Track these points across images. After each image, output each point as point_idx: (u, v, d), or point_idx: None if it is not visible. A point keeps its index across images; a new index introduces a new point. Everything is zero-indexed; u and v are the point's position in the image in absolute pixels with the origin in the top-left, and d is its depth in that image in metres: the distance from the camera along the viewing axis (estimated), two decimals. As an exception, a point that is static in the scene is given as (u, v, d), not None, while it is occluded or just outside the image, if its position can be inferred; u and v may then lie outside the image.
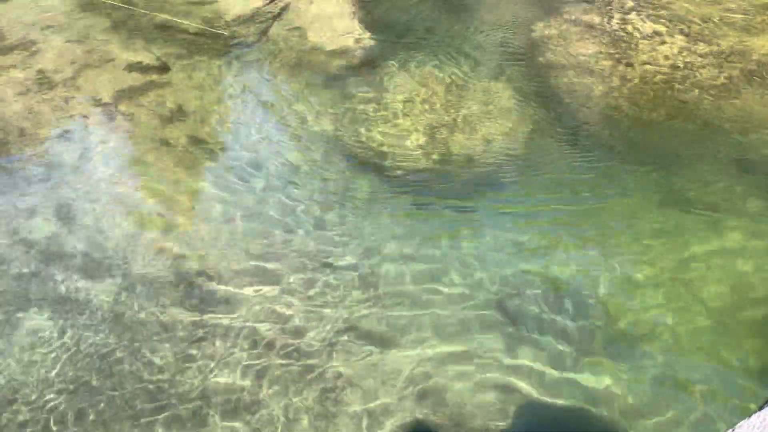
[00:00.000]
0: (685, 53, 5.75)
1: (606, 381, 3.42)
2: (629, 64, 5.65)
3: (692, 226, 4.28)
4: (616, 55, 5.77)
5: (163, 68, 5.60)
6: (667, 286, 3.91)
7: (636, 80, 5.51)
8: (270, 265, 3.96)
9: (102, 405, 3.22)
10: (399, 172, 4.73)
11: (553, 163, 4.86)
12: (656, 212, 4.45)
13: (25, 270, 3.79)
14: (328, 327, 3.63)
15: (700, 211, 4.36)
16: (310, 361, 3.45)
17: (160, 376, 3.35)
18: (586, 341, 3.61)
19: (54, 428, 3.10)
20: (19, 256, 3.86)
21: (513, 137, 5.03)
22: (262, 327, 3.62)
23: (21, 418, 3.13)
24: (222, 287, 3.81)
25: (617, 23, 6.13)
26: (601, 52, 5.81)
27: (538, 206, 4.49)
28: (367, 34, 6.12)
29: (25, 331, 3.49)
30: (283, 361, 3.46)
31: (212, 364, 3.42)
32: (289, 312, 3.70)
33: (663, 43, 5.88)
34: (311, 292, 3.82)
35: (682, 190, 4.60)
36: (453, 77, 5.59)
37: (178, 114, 5.11)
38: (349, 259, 4.02)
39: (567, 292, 3.88)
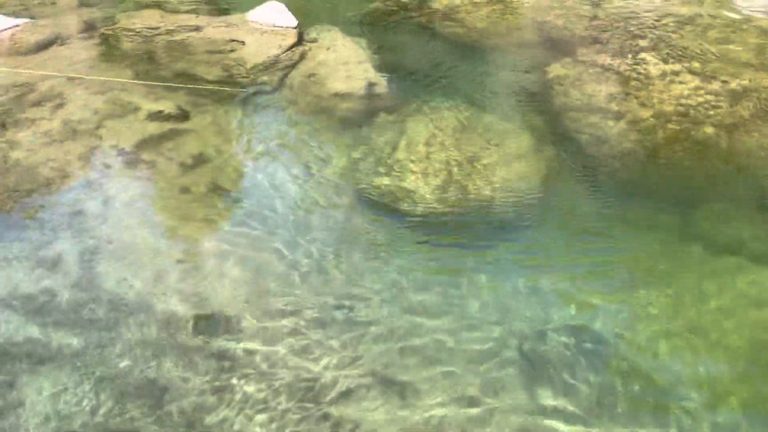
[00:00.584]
0: (699, 92, 5.77)
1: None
2: (644, 104, 5.68)
3: (712, 267, 4.24)
4: (631, 96, 5.81)
5: (183, 116, 5.74)
6: (688, 333, 3.86)
7: (651, 120, 5.53)
8: (288, 316, 3.98)
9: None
10: (415, 217, 4.76)
11: (570, 206, 4.87)
12: (675, 253, 4.42)
13: (49, 320, 3.84)
14: (345, 377, 3.62)
15: (720, 253, 4.33)
16: (327, 411, 3.44)
17: (176, 416, 3.36)
18: (608, 394, 3.55)
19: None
20: (42, 306, 3.91)
21: (529, 180, 5.05)
22: (279, 377, 3.61)
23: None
24: (241, 339, 3.82)
25: (631, 64, 6.18)
26: (615, 93, 5.85)
27: (556, 250, 4.49)
28: (383, 80, 6.23)
29: (50, 379, 3.51)
30: (300, 413, 3.44)
31: (232, 415, 3.42)
32: (306, 363, 3.70)
33: (677, 82, 5.92)
34: (329, 343, 3.82)
35: (701, 230, 4.58)
36: (468, 120, 5.65)
37: (198, 161, 5.21)
38: (365, 309, 4.02)
39: (587, 340, 3.84)
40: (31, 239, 4.38)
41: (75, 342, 3.72)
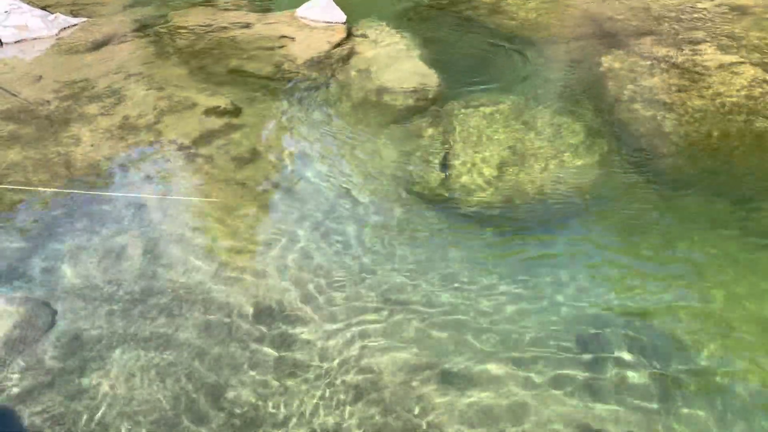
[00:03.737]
0: (757, 83, 5.63)
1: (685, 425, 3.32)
2: (700, 96, 5.56)
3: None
4: (687, 87, 5.70)
5: (237, 112, 5.85)
6: (745, 326, 3.77)
7: (708, 112, 5.41)
8: (342, 303, 4.03)
9: (187, 429, 3.33)
10: (468, 209, 4.76)
11: (624, 197, 4.80)
12: (732, 247, 4.33)
13: (115, 307, 3.97)
14: (402, 365, 3.65)
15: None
16: (386, 397, 3.47)
17: (239, 410, 3.44)
18: (667, 382, 3.51)
19: (144, 462, 3.21)
20: (109, 295, 4.05)
21: (582, 171, 5.00)
22: (336, 363, 3.67)
23: (114, 451, 3.26)
24: (299, 325, 3.89)
25: (687, 55, 6.06)
26: (671, 84, 5.74)
27: (610, 241, 4.44)
28: (433, 73, 6.24)
29: (119, 366, 3.64)
30: (361, 406, 3.49)
31: (292, 401, 3.49)
32: (363, 351, 3.74)
33: (735, 73, 5.78)
34: (385, 330, 3.86)
35: (759, 224, 4.47)
36: (519, 113, 5.62)
37: (253, 156, 5.30)
38: (420, 298, 4.05)
39: (644, 329, 3.79)
40: (95, 231, 4.53)
41: (133, 327, 3.85)
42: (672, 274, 4.16)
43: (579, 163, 5.09)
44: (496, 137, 5.35)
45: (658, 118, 5.41)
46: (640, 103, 5.58)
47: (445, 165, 5.02)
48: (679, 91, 5.68)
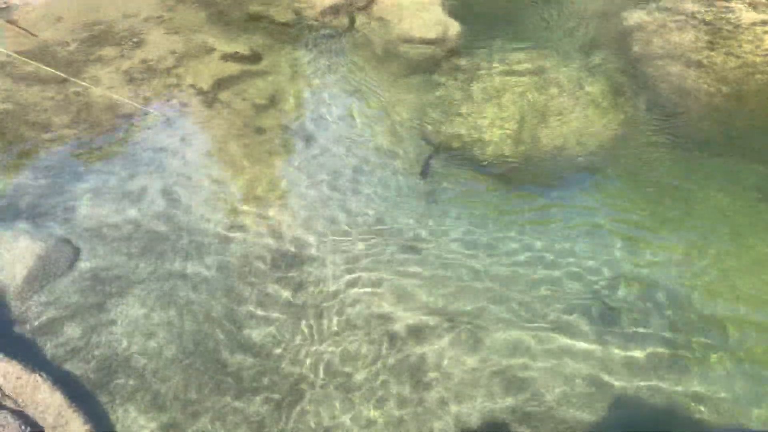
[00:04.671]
0: (791, 42, 5.47)
1: (695, 381, 3.35)
2: (731, 54, 5.42)
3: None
4: (716, 45, 5.55)
5: (256, 58, 5.79)
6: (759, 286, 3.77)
7: (737, 71, 5.28)
8: (357, 245, 4.05)
9: (204, 369, 3.40)
10: (486, 161, 4.73)
11: (646, 155, 4.74)
12: (753, 208, 4.28)
13: (135, 248, 4.02)
14: (415, 309, 3.69)
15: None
16: (399, 343, 3.52)
17: (255, 348, 3.51)
18: (680, 340, 3.53)
19: (161, 390, 3.29)
20: (128, 235, 4.10)
21: (604, 128, 4.93)
22: (349, 300, 3.72)
23: (133, 384, 3.34)
24: (313, 264, 3.93)
25: (717, 11, 5.88)
26: (699, 42, 5.60)
27: (630, 199, 4.40)
28: (455, 24, 6.12)
29: (137, 304, 3.71)
30: (372, 344, 3.54)
31: (306, 328, 3.55)
32: (378, 290, 3.78)
33: (766, 32, 5.61)
34: (398, 270, 3.89)
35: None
36: (542, 66, 5.52)
37: (271, 102, 5.27)
38: (434, 245, 4.07)
39: (660, 287, 3.79)
40: (115, 172, 4.56)
41: (156, 267, 3.90)
42: (683, 230, 4.14)
43: (602, 119, 5.01)
44: (516, 91, 5.27)
45: (685, 75, 5.29)
46: (667, 60, 5.45)
47: (426, 170, 4.64)
48: (708, 48, 5.53)
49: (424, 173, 4.64)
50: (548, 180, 4.63)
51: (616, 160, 4.69)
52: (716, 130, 4.86)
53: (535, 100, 5.20)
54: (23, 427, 2.85)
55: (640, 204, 4.37)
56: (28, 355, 3.32)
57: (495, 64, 5.57)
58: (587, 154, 4.74)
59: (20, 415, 2.94)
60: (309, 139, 4.95)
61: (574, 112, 5.06)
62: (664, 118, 4.97)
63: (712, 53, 5.47)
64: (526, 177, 4.65)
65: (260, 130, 4.99)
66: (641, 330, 3.59)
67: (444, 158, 4.79)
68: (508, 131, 4.95)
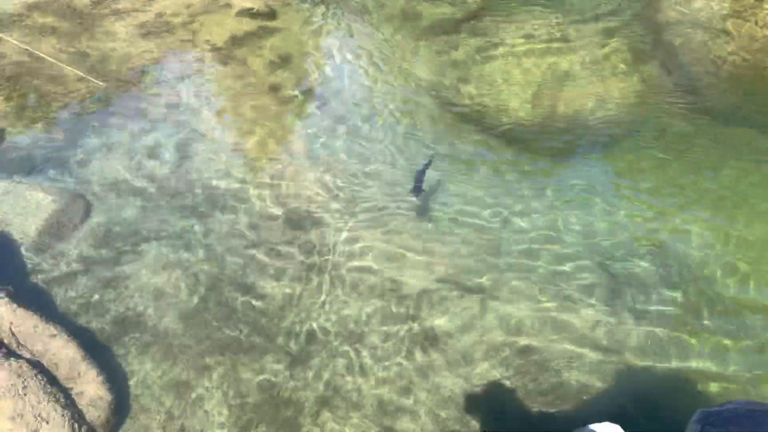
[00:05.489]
0: (821, 12, 5.31)
1: (707, 349, 3.35)
2: (758, 24, 5.27)
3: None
4: (742, 14, 5.40)
5: (272, 15, 5.71)
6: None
7: (763, 41, 5.15)
8: (369, 209, 4.05)
9: (214, 324, 3.44)
10: (503, 126, 4.67)
11: (665, 125, 4.66)
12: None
13: (148, 204, 4.04)
14: (424, 274, 3.70)
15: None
16: (409, 304, 3.54)
17: (267, 305, 3.54)
18: (691, 307, 3.52)
19: (175, 343, 3.34)
20: (141, 191, 4.11)
21: (623, 96, 4.85)
22: (355, 258, 3.73)
23: (146, 337, 3.39)
24: (322, 223, 3.94)
25: (746, -22, 5.71)
26: (728, 10, 5.45)
27: (647, 166, 4.34)
28: (475, -15, 5.99)
29: (150, 258, 3.74)
30: (383, 301, 3.56)
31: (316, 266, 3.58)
32: (394, 249, 3.79)
33: (796, 0, 5.44)
34: (413, 234, 3.89)
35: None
36: (562, 31, 5.41)
37: (285, 60, 5.22)
38: (447, 211, 4.05)
39: (673, 254, 3.77)
40: (128, 127, 4.55)
41: (165, 223, 3.92)
42: (702, 200, 4.09)
43: (621, 85, 4.93)
44: (536, 55, 5.18)
45: (710, 44, 5.17)
46: (691, 27, 5.32)
47: (419, 186, 3.92)
48: (733, 17, 5.39)
49: (417, 189, 3.95)
50: (564, 145, 4.57)
51: (635, 127, 4.62)
52: (739, 101, 4.76)
53: (556, 64, 5.11)
54: (39, 376, 2.91)
55: (656, 172, 4.32)
56: (43, 306, 3.37)
57: (514, 28, 5.46)
58: (605, 120, 4.67)
59: (36, 365, 3.00)
60: (322, 98, 4.91)
61: (594, 78, 4.97)
62: (685, 87, 4.87)
63: (738, 21, 5.33)
64: (541, 142, 4.59)
65: (274, 88, 4.95)
66: (650, 298, 3.58)
67: (461, 120, 4.73)
68: (525, 95, 4.88)
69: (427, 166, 4.04)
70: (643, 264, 3.73)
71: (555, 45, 5.28)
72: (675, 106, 4.74)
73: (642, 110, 4.74)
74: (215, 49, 5.25)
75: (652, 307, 3.52)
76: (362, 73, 5.20)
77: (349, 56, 5.39)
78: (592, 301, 3.56)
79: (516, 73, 5.05)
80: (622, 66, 5.07)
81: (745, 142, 4.45)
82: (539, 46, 5.28)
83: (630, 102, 4.81)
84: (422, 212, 3.92)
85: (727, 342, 3.37)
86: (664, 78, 4.99)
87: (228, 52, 5.23)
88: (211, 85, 4.96)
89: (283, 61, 5.21)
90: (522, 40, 5.33)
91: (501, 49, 5.24)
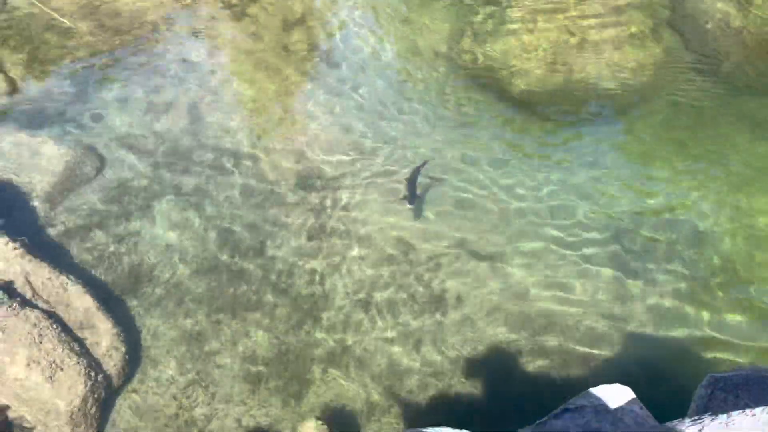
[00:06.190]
0: None
1: (713, 316, 3.36)
2: (780, -8, 5.16)
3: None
4: (766, -18, 5.28)
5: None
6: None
7: (786, 10, 5.04)
8: (375, 163, 4.04)
9: (228, 279, 3.47)
10: (519, 92, 4.63)
11: (681, 92, 4.60)
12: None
13: (160, 160, 4.03)
14: (435, 242, 3.70)
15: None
16: (419, 270, 3.55)
17: (277, 263, 3.56)
18: (701, 277, 3.52)
19: (186, 298, 3.37)
20: (154, 148, 4.10)
21: (641, 65, 4.78)
22: (366, 223, 3.74)
23: (158, 291, 3.42)
24: (334, 184, 3.93)
25: (771, -54, 5.56)
26: (748, -22, 5.32)
27: (662, 136, 4.30)
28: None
29: (163, 214, 3.75)
30: (394, 266, 3.57)
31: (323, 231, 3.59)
32: (403, 222, 3.79)
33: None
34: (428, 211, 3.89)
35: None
36: (582, -3, 5.32)
37: (300, 20, 5.15)
38: (462, 177, 4.04)
39: (684, 224, 3.76)
40: (141, 83, 4.52)
41: (177, 180, 3.92)
42: (716, 170, 4.06)
43: (639, 55, 4.85)
44: (553, 18, 5.09)
45: (733, 13, 5.06)
46: (713, -4, 5.21)
47: (413, 193, 3.74)
48: (757, -14, 5.26)
49: (411, 196, 3.75)
50: (579, 111, 4.53)
51: (650, 96, 4.57)
52: (759, 72, 4.68)
53: (573, 30, 5.02)
54: (54, 326, 2.94)
55: (671, 143, 4.28)
56: (57, 258, 3.39)
57: (533, -8, 5.36)
58: (622, 88, 4.62)
59: (51, 315, 3.03)
60: (336, 59, 4.86)
61: (612, 46, 4.89)
62: (704, 57, 4.80)
63: (762, -10, 5.21)
64: (555, 107, 4.55)
65: (287, 47, 4.89)
66: (660, 267, 3.59)
67: (476, 86, 4.69)
68: (541, 60, 4.82)
69: (418, 171, 3.91)
70: (655, 233, 3.73)
71: (573, 10, 5.19)
72: (693, 76, 4.67)
73: (659, 79, 4.67)
74: (229, 5, 5.18)
75: (662, 276, 3.52)
76: (376, 35, 5.14)
77: (363, 19, 5.31)
78: (604, 269, 3.57)
79: (533, 37, 4.97)
80: (642, 33, 4.99)
81: (763, 113, 4.40)
82: (557, 9, 5.18)
83: (646, 72, 4.75)
84: (417, 215, 3.86)
85: (737, 311, 3.38)
86: (684, 47, 4.91)
87: (242, 9, 5.16)
88: (224, 42, 4.90)
89: (297, 20, 5.15)
90: (539, 4, 5.23)
91: (518, 13, 5.15)
